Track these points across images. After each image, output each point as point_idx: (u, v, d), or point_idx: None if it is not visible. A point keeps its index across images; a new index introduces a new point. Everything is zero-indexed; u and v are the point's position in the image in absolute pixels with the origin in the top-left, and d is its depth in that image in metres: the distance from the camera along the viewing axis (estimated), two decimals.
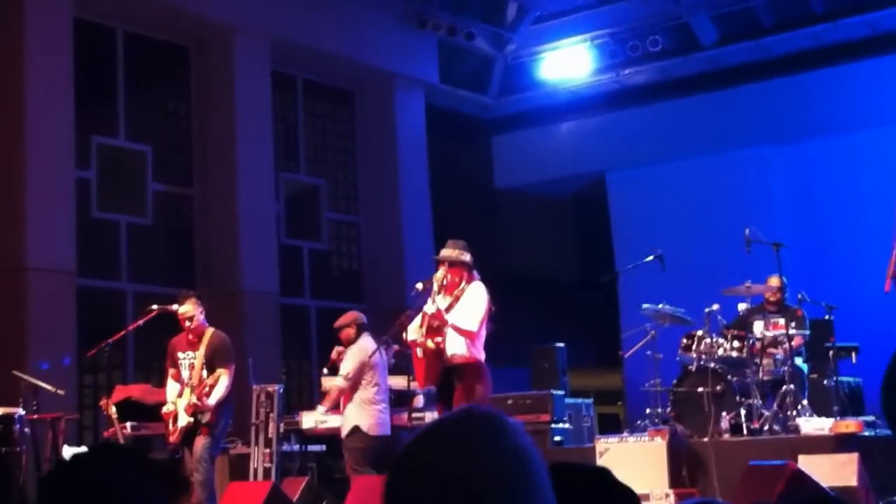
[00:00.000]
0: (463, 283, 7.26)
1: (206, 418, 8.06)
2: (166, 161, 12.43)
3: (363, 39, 13.62)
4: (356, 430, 8.47)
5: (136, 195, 12.12)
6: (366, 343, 8.62)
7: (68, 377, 10.07)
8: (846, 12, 13.19)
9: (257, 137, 12.53)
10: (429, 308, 7.27)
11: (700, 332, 9.47)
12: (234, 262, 12.18)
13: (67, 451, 8.79)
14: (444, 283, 7.28)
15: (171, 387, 8.35)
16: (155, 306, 8.70)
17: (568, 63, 14.76)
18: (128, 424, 9.18)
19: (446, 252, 7.37)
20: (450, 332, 7.17)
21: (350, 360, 8.62)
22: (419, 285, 7.42)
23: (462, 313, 7.17)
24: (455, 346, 7.18)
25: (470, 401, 7.08)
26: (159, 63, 12.51)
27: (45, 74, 10.73)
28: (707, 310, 9.51)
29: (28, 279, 10.38)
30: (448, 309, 7.21)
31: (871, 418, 9.03)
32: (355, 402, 8.53)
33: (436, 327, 7.17)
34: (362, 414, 8.49)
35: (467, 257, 7.33)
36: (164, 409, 8.27)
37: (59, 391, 8.98)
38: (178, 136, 12.61)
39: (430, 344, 7.14)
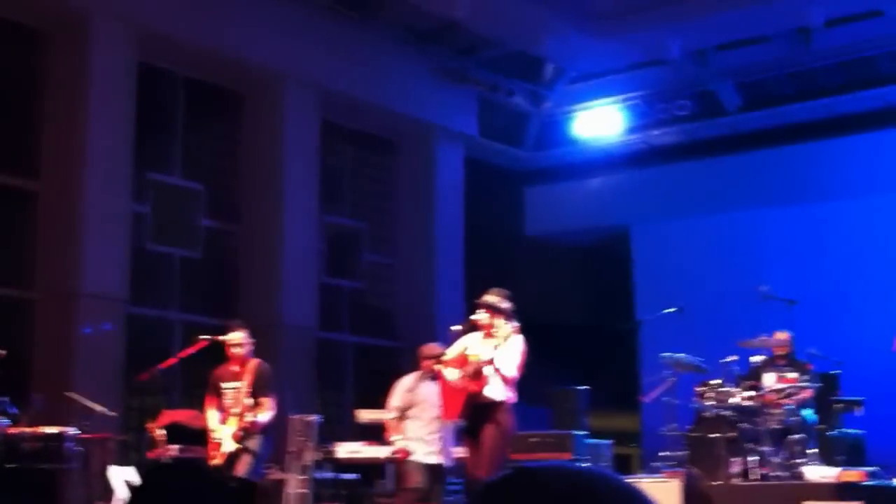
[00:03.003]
0: (502, 329, 7.69)
1: (250, 444, 8.40)
2: (217, 199, 12.87)
3: (407, 92, 14.04)
4: None
5: (188, 230, 12.56)
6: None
7: (115, 400, 10.35)
8: (861, 85, 13.62)
9: (303, 180, 12.94)
10: (473, 348, 7.79)
11: (715, 381, 9.88)
12: (276, 297, 12.54)
13: (114, 471, 9.08)
14: (488, 327, 7.69)
15: (213, 415, 8.64)
16: (206, 336, 8.99)
17: (600, 122, 15.19)
18: (173, 447, 9.31)
19: (491, 298, 7.73)
20: (493, 377, 7.57)
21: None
22: (457, 327, 7.96)
23: (506, 359, 7.55)
24: (494, 387, 7.59)
25: (499, 438, 7.57)
26: (214, 107, 12.96)
27: (108, 113, 11.16)
28: (723, 360, 9.96)
29: (81, 305, 10.79)
30: (489, 350, 7.67)
31: (873, 468, 9.35)
32: None
33: (478, 374, 7.56)
34: None
35: (506, 305, 7.73)
36: (213, 437, 8.55)
37: (109, 412, 9.29)
38: (230, 175, 13.04)
39: (473, 387, 7.55)
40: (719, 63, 14.22)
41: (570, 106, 15.32)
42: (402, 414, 8.95)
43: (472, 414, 7.62)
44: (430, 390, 8.65)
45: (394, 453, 8.97)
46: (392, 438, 8.98)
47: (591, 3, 13.28)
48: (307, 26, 12.92)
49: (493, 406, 7.58)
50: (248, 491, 8.09)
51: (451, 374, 7.73)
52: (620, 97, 15.03)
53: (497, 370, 7.53)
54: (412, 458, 8.80)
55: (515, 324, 7.72)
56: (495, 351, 7.59)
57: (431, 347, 8.76)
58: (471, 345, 7.76)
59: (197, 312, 12.39)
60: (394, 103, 14.01)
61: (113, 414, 9.42)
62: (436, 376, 8.01)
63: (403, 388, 9.01)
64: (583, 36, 13.67)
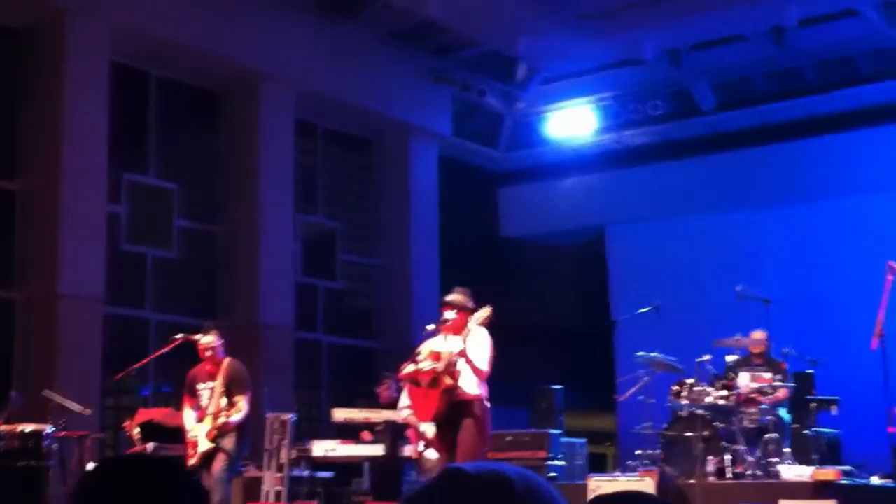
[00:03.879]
0: (468, 327, 7.75)
1: (225, 442, 8.44)
2: (192, 199, 12.84)
3: (382, 92, 14.04)
4: None
5: (162, 230, 12.54)
6: None
7: (92, 398, 10.35)
8: (838, 85, 13.68)
9: (279, 180, 12.92)
10: (441, 347, 7.80)
11: (690, 381, 9.96)
12: (253, 297, 12.55)
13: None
14: (457, 327, 7.75)
15: (189, 414, 8.70)
16: (180, 335, 9.07)
17: (573, 122, 15.21)
18: (149, 445, 9.33)
19: (457, 297, 7.83)
20: (465, 371, 7.63)
21: None
22: (430, 327, 8.00)
23: (476, 354, 7.64)
24: (468, 385, 7.64)
25: (476, 436, 7.61)
26: (189, 106, 12.92)
27: (83, 114, 11.11)
28: (698, 360, 10.03)
29: (59, 305, 10.78)
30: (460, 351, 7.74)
31: (848, 468, 9.48)
32: None
33: (451, 367, 7.64)
34: None
35: (471, 304, 7.82)
36: (189, 437, 8.61)
37: (86, 411, 9.25)
38: (205, 175, 13.00)
39: (448, 381, 7.64)
40: (694, 63, 14.24)
41: (544, 106, 15.34)
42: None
43: (447, 412, 7.63)
44: None
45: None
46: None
47: (566, 4, 13.30)
48: (283, 25, 12.88)
49: (469, 404, 7.61)
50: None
51: (424, 364, 7.73)
52: (594, 97, 15.06)
53: (469, 361, 7.57)
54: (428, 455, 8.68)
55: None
56: (470, 344, 7.63)
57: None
58: (437, 346, 7.80)
59: (173, 312, 12.38)
60: (369, 103, 14.02)
61: (90, 412, 9.41)
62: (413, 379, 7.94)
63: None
64: (557, 36, 13.71)
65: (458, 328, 7.72)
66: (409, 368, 7.81)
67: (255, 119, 12.87)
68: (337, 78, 13.48)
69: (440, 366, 7.64)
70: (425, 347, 7.87)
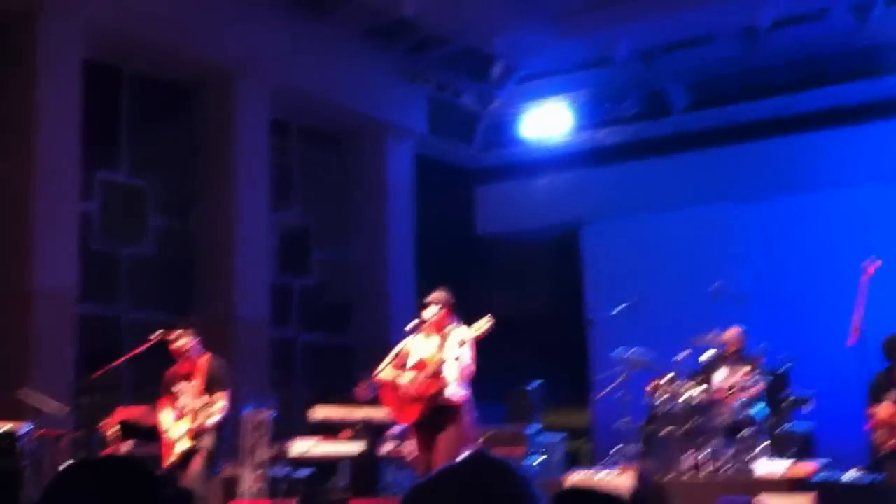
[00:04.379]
0: (449, 325, 7.78)
1: (203, 442, 8.41)
2: (166, 196, 12.75)
3: (358, 89, 13.98)
4: None
5: (136, 228, 12.45)
6: None
7: (66, 397, 10.20)
8: (808, 85, 13.83)
9: (254, 177, 12.84)
10: (422, 348, 7.78)
11: (668, 377, 10.08)
12: (228, 294, 12.47)
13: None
14: (435, 322, 7.75)
15: (166, 414, 8.68)
16: (158, 333, 8.97)
17: (548, 121, 15.27)
18: (127, 444, 9.32)
19: (438, 295, 7.82)
20: (450, 374, 7.64)
21: None
22: (410, 326, 7.97)
23: (463, 353, 7.63)
24: (453, 387, 7.66)
25: (457, 438, 7.61)
26: (163, 103, 12.79)
27: (55, 111, 10.98)
28: (676, 357, 10.13)
29: (32, 302, 10.66)
30: (439, 348, 7.70)
31: (823, 463, 9.61)
32: None
33: (437, 374, 7.61)
34: None
35: (452, 302, 7.84)
36: (166, 437, 8.58)
37: (63, 410, 9.21)
38: (179, 173, 12.88)
39: (433, 388, 7.56)
40: (667, 63, 14.34)
41: (519, 105, 15.38)
42: None
43: (430, 416, 7.63)
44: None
45: None
46: None
47: (542, 3, 13.35)
48: (258, 21, 12.80)
49: (452, 409, 7.63)
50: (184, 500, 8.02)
51: (405, 377, 7.71)
52: (568, 96, 15.12)
53: (457, 359, 7.55)
54: None
55: (459, 320, 7.79)
56: (453, 344, 7.61)
57: None
58: (413, 346, 7.79)
59: (148, 310, 12.27)
60: (344, 100, 13.96)
61: (65, 411, 9.34)
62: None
63: None
64: (532, 34, 13.75)
65: (439, 327, 7.70)
66: (386, 373, 7.80)
67: (230, 115, 12.77)
68: (312, 75, 13.42)
69: (422, 377, 7.61)
70: (403, 346, 7.85)
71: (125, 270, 12.31)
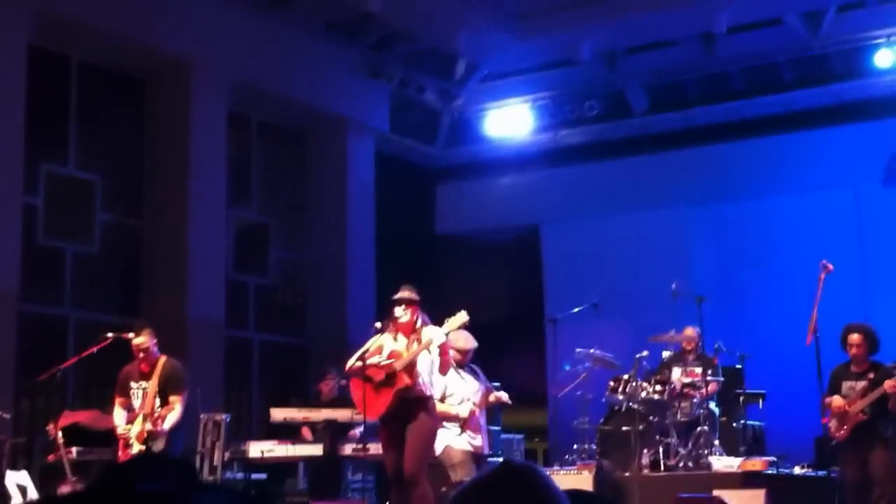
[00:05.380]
0: (419, 324, 7.76)
1: (158, 445, 8.28)
2: (116, 191, 12.32)
3: (319, 84, 13.76)
4: None
5: (83, 224, 12.00)
6: None
7: (7, 401, 9.91)
8: (763, 90, 14.04)
9: (210, 172, 12.45)
10: (394, 346, 7.81)
11: (626, 376, 10.18)
12: (182, 293, 12.06)
13: (10, 476, 8.78)
14: (407, 321, 7.70)
15: (119, 414, 8.54)
16: (110, 334, 8.75)
17: (510, 121, 15.29)
18: (74, 449, 9.09)
19: (409, 294, 7.73)
20: (424, 370, 7.59)
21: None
22: (378, 324, 7.98)
23: (439, 357, 7.62)
24: (423, 384, 7.64)
25: (425, 433, 7.60)
26: (113, 94, 12.34)
27: None
28: (637, 356, 10.26)
29: None
30: (408, 347, 7.64)
31: (774, 458, 9.79)
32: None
33: (412, 367, 7.57)
34: None
35: (418, 301, 7.78)
36: (119, 432, 8.42)
37: (4, 415, 9.01)
38: (130, 167, 12.47)
39: (406, 379, 7.51)
40: (628, 65, 14.48)
41: (481, 104, 15.40)
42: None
43: (397, 410, 7.61)
44: (455, 380, 8.38)
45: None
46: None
47: (506, 2, 13.44)
48: (216, 11, 12.48)
49: (422, 402, 7.62)
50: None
51: (379, 359, 7.71)
52: (531, 97, 15.16)
53: (444, 355, 7.57)
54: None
55: (427, 318, 7.81)
56: (411, 344, 7.64)
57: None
58: (385, 344, 7.79)
59: (94, 310, 11.90)
60: (305, 95, 13.73)
61: (7, 416, 9.12)
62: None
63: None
64: (496, 34, 13.79)
65: (411, 326, 7.71)
66: (357, 363, 7.78)
67: (184, 108, 12.36)
68: (272, 69, 13.17)
69: (399, 364, 7.64)
70: (373, 343, 7.85)
71: (71, 268, 11.85)
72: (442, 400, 8.21)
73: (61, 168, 11.90)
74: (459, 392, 8.39)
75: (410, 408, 7.59)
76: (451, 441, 8.28)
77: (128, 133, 12.57)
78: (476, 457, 8.37)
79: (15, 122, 10.72)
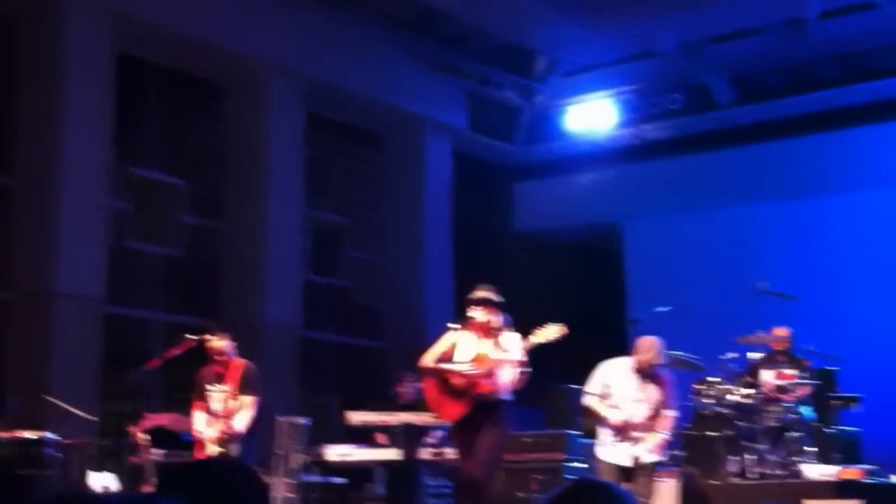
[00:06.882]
0: (497, 325, 7.54)
1: (233, 449, 8.30)
2: (199, 194, 12.56)
3: (394, 83, 13.77)
4: None
5: (168, 227, 12.25)
6: None
7: (92, 403, 10.08)
8: (857, 79, 13.54)
9: (288, 174, 12.66)
10: (476, 347, 7.57)
11: (713, 379, 9.83)
12: (259, 296, 12.27)
13: (94, 478, 8.93)
14: (483, 321, 7.54)
15: (199, 418, 8.59)
16: (189, 336, 8.83)
17: (591, 116, 15.06)
18: (157, 452, 9.08)
19: (483, 293, 7.60)
20: (506, 374, 7.43)
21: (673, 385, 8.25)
22: (454, 325, 7.77)
23: (521, 354, 7.45)
24: (504, 386, 7.48)
25: (498, 439, 7.44)
26: (196, 98, 12.63)
27: (85, 106, 10.81)
28: (721, 357, 9.87)
29: (57, 304, 10.45)
30: (491, 350, 7.49)
31: (872, 466, 9.42)
32: None
33: (494, 371, 7.42)
34: None
35: (498, 300, 7.62)
36: (196, 436, 8.49)
37: (90, 417, 9.10)
38: (212, 170, 12.72)
39: (488, 385, 7.38)
40: (712, 56, 14.07)
41: (562, 100, 15.14)
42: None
43: (474, 414, 7.42)
44: (631, 386, 8.10)
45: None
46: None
47: None
48: (292, 14, 12.60)
49: (496, 406, 7.44)
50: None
51: (458, 367, 7.49)
52: (612, 91, 14.87)
53: (521, 364, 7.37)
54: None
55: (509, 319, 7.58)
56: (514, 347, 7.38)
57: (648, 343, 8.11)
58: (461, 343, 7.59)
59: (177, 312, 12.10)
60: (381, 95, 13.73)
61: (92, 418, 9.19)
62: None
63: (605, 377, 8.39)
64: (575, 27, 13.55)
65: (490, 327, 7.48)
66: (431, 363, 7.58)
67: (262, 111, 12.60)
68: (346, 68, 13.19)
69: (482, 371, 7.40)
70: (445, 342, 7.63)
71: (154, 271, 12.10)
72: (604, 397, 7.96)
73: (147, 172, 12.13)
74: (623, 394, 8.06)
75: (484, 412, 7.42)
76: (599, 452, 8.10)
77: (209, 136, 12.80)
78: (626, 470, 8.00)
79: (102, 128, 10.99)
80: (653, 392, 8.08)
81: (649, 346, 8.11)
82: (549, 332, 7.39)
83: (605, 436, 8.13)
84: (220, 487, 2.19)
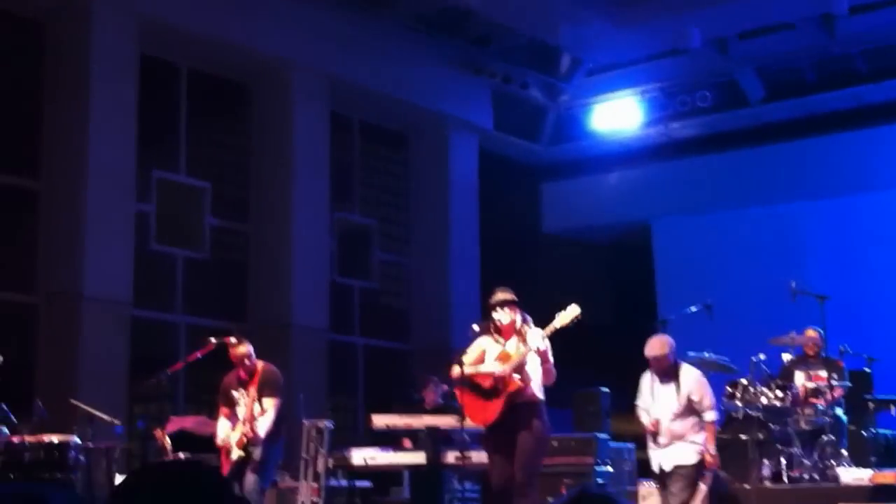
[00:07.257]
0: (520, 323, 7.48)
1: (256, 453, 8.24)
2: (224, 196, 12.53)
3: (419, 83, 13.73)
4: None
5: (194, 229, 12.25)
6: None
7: (119, 406, 10.07)
8: (887, 74, 13.38)
9: (314, 176, 12.62)
10: (500, 348, 7.48)
11: (744, 381, 9.63)
12: (286, 297, 12.23)
13: (119, 481, 8.96)
14: (509, 322, 7.46)
15: (223, 423, 8.51)
16: (212, 339, 8.77)
17: (618, 115, 14.94)
18: (181, 455, 9.08)
19: (503, 295, 7.49)
20: (534, 372, 7.33)
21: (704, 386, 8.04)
22: (476, 326, 7.69)
23: (548, 349, 7.34)
24: (535, 386, 7.37)
25: (537, 441, 7.29)
26: (220, 100, 12.63)
27: (110, 108, 10.83)
28: (753, 359, 9.70)
29: (84, 308, 10.45)
30: (517, 348, 7.34)
31: None
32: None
33: (521, 368, 7.28)
34: None
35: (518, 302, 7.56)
36: (219, 442, 8.42)
37: (115, 421, 9.02)
38: (237, 172, 12.71)
39: (517, 382, 7.26)
40: (741, 52, 13.96)
41: (588, 98, 15.06)
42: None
43: (507, 415, 7.30)
44: (653, 390, 8.02)
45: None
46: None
47: None
48: (315, 15, 12.56)
49: (533, 407, 7.32)
50: None
51: (493, 366, 7.38)
52: (639, 89, 14.76)
53: (547, 360, 7.25)
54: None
55: (529, 319, 7.46)
56: (536, 342, 7.29)
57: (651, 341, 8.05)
58: (489, 349, 7.49)
59: (203, 315, 12.08)
60: (406, 94, 13.68)
61: (117, 422, 9.09)
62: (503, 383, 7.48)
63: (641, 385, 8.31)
64: (601, 25, 13.47)
65: (513, 328, 7.42)
66: (460, 370, 7.47)
67: (287, 112, 12.57)
68: (371, 68, 13.15)
69: (508, 368, 7.32)
70: (476, 348, 7.55)
71: (181, 274, 12.09)
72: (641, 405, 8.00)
73: (172, 175, 12.12)
74: (648, 399, 8.07)
75: (521, 413, 7.30)
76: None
77: (234, 138, 12.79)
78: (662, 475, 7.93)
79: (128, 131, 11.01)
80: (672, 392, 7.95)
81: (651, 344, 8.03)
82: (566, 316, 7.27)
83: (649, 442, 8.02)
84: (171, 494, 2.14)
